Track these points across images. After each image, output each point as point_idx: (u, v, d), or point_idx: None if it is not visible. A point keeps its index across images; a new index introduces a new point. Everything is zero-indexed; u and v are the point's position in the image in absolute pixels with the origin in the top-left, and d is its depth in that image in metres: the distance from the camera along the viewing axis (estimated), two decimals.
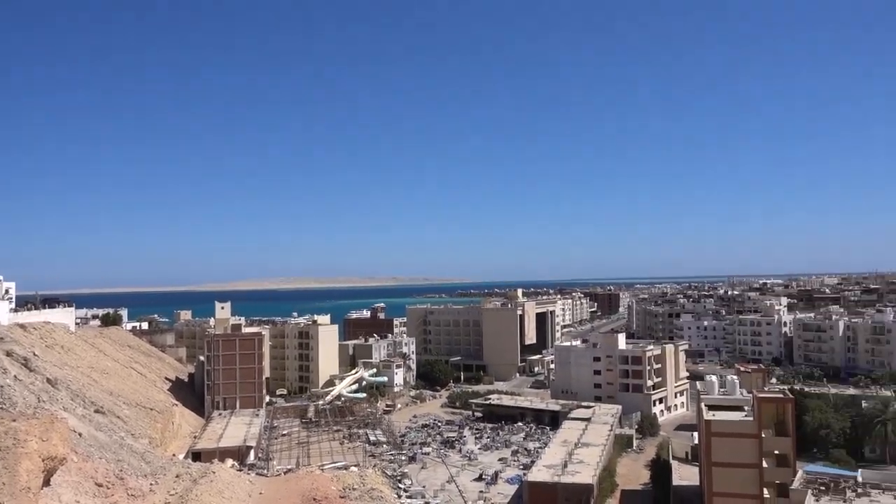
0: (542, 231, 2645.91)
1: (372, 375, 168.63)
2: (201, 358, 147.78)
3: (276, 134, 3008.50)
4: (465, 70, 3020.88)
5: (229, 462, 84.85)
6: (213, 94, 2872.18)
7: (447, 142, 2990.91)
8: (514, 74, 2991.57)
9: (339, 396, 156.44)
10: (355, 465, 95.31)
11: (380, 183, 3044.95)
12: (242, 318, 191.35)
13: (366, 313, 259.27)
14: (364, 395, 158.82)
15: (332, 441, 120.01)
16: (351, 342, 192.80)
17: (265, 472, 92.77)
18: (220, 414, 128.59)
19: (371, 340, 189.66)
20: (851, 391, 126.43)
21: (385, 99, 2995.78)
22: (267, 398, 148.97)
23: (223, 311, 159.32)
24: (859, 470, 77.04)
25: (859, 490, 64.46)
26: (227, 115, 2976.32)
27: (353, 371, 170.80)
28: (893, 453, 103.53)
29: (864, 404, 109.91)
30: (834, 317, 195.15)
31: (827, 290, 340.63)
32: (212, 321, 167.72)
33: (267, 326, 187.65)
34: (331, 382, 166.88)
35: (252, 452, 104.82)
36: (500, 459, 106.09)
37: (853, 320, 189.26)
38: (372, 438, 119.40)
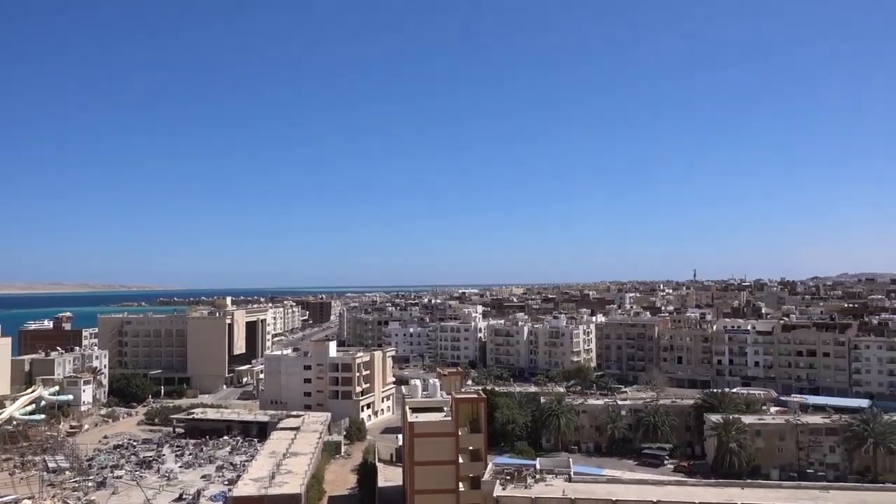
0: (254, 238, 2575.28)
1: (53, 394, 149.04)
2: None
3: None
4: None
5: None
6: None
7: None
8: None
9: (10, 420, 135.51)
10: (29, 498, 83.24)
11: (64, 183, 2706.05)
12: None
13: (48, 323, 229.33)
14: (43, 416, 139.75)
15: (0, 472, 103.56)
16: (28, 357, 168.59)
17: None
18: None
19: (54, 354, 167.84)
20: (533, 389, 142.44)
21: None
22: None
23: None
24: (538, 459, 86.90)
25: (537, 476, 72.57)
26: None
27: (30, 390, 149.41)
28: (565, 442, 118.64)
29: (542, 400, 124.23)
30: (520, 323, 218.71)
31: (515, 299, 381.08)
32: None
33: None
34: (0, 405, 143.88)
35: None
36: (203, 477, 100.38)
37: (535, 326, 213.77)
38: (51, 465, 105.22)
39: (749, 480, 78.98)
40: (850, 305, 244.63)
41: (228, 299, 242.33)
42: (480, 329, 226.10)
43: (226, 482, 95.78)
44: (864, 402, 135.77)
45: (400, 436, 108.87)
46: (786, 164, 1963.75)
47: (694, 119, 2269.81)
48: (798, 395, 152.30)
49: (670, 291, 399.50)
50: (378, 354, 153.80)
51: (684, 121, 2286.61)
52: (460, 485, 77.64)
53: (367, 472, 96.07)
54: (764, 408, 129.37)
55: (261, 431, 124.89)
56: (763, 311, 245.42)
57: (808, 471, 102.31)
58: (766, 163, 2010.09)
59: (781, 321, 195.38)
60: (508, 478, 71.79)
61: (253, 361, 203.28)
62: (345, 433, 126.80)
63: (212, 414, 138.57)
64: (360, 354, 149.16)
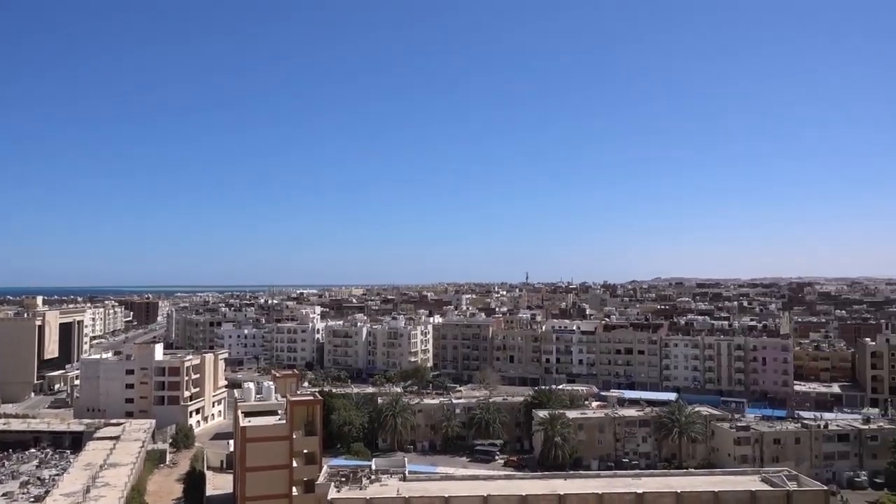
0: (70, 231, 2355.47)
1: None
2: None
3: None
4: None
5: None
6: None
7: None
8: None
9: None
10: None
11: None
12: None
13: None
14: None
15: None
16: None
17: None
18: None
19: None
20: (370, 390, 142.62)
21: None
22: None
23: None
24: (374, 459, 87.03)
25: (373, 477, 72.65)
26: None
27: None
28: (401, 441, 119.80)
29: (380, 401, 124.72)
30: (359, 324, 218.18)
31: (354, 300, 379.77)
32: None
33: None
34: None
35: None
36: (3, 495, 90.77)
37: (374, 327, 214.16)
38: None
39: (571, 472, 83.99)
40: (662, 307, 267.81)
41: (39, 299, 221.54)
42: (318, 330, 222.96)
43: (31, 499, 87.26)
44: (672, 396, 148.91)
45: (231, 441, 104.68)
46: (603, 177, 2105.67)
47: (521, 128, 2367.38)
48: (616, 391, 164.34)
49: (504, 293, 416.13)
50: (209, 357, 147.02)
51: (515, 127, 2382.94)
52: (294, 489, 76.12)
53: (194, 480, 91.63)
54: (586, 403, 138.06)
55: (75, 442, 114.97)
56: (587, 312, 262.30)
57: (624, 460, 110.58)
58: (581, 174, 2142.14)
59: (603, 322, 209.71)
60: (343, 480, 71.27)
61: (67, 366, 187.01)
62: (171, 441, 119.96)
63: (16, 424, 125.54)
64: (189, 357, 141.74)
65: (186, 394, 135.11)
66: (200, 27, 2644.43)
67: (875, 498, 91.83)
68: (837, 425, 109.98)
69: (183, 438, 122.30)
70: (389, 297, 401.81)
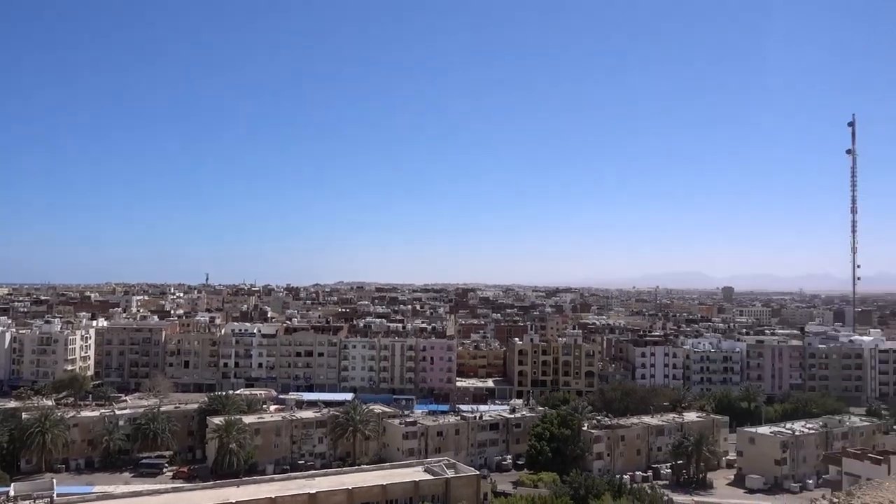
0: None
1: None
2: None
3: None
4: None
5: None
6: None
7: None
8: None
9: None
10: None
11: None
12: None
13: None
14: None
15: None
16: None
17: None
18: None
19: None
20: (13, 404, 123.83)
21: None
22: None
23: None
24: (13, 484, 75.53)
25: None
26: None
27: None
28: (51, 461, 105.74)
29: (24, 416, 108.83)
30: (1, 328, 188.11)
31: None
32: None
33: None
34: None
35: None
36: None
37: (21, 331, 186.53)
38: None
39: (245, 478, 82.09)
40: (343, 310, 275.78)
41: None
42: None
43: None
44: (349, 396, 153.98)
45: None
46: (287, 181, 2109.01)
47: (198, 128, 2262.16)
48: (295, 393, 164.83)
49: (182, 295, 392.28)
50: None
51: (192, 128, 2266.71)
52: None
53: None
54: (265, 407, 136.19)
55: None
56: (269, 315, 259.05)
57: (300, 462, 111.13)
58: (267, 178, 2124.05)
59: (285, 324, 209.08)
60: None
61: None
62: None
63: None
64: None
65: None
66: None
67: (517, 477, 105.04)
68: (490, 416, 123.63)
69: None
70: (43, 297, 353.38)
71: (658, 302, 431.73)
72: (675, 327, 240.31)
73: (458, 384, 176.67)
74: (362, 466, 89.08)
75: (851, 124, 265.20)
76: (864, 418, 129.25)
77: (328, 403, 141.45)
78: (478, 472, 79.89)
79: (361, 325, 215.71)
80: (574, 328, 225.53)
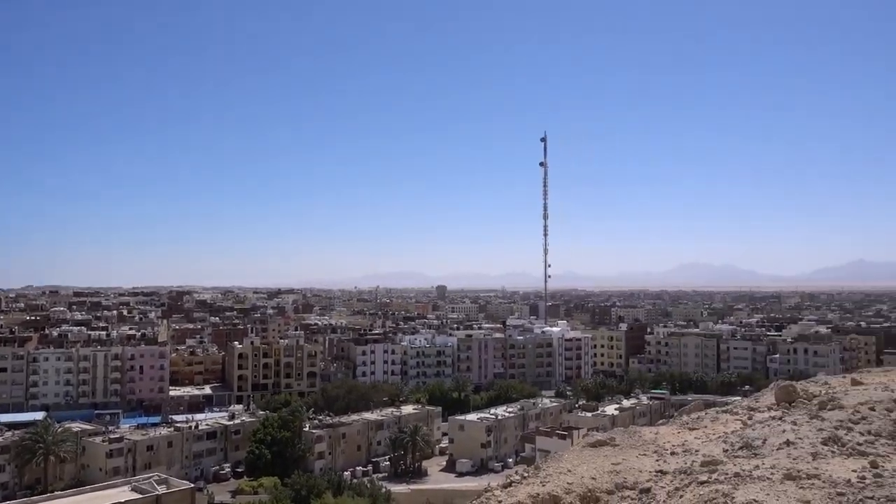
0: None
1: None
2: None
3: None
4: None
5: None
6: None
7: None
8: None
9: None
10: None
11: None
12: None
13: None
14: None
15: None
16: None
17: None
18: None
19: None
20: None
21: None
22: None
23: None
24: None
25: None
26: None
27: None
28: None
29: None
30: None
31: None
32: None
33: None
34: None
35: None
36: None
37: None
38: None
39: None
40: (33, 318, 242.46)
41: None
42: None
43: None
44: (40, 415, 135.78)
45: None
46: None
47: None
48: None
49: None
50: None
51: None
52: None
53: None
54: None
55: None
56: None
57: None
58: None
59: None
60: None
61: None
62: None
63: None
64: None
65: None
66: None
67: (236, 486, 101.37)
68: (207, 424, 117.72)
69: None
70: None
71: (378, 301, 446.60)
72: (394, 325, 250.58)
73: (172, 393, 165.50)
74: (55, 493, 79.02)
75: (543, 140, 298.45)
76: (553, 400, 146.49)
77: (13, 425, 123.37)
78: (192, 485, 75.52)
79: (56, 334, 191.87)
80: (296, 329, 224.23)
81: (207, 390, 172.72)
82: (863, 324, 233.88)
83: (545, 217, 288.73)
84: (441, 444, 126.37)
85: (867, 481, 10.63)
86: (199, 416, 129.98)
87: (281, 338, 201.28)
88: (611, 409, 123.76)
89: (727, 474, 11.81)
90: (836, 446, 13.01)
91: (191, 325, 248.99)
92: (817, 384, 22.94)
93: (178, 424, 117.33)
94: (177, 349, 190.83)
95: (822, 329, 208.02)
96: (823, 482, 10.84)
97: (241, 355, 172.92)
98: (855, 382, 21.63)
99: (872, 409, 14.95)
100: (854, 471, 11.32)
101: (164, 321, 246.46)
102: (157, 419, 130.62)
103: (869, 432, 13.67)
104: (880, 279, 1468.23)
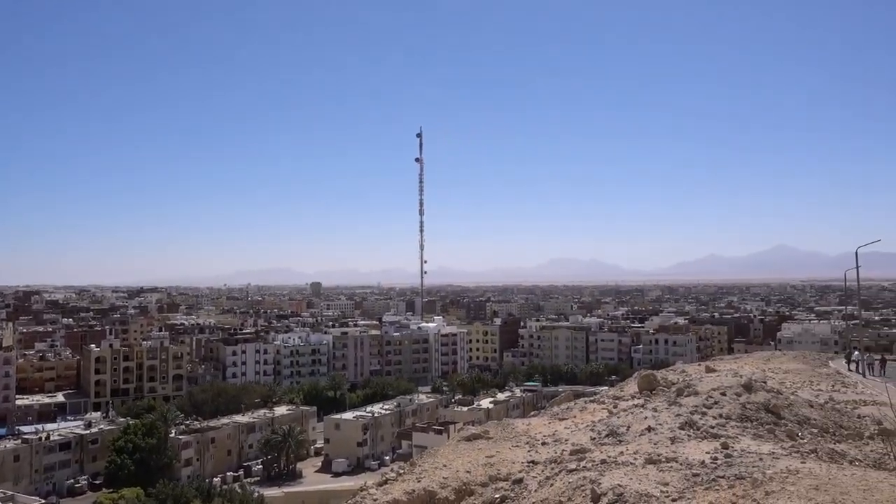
0: None
1: None
2: None
3: None
4: None
5: None
6: None
7: None
8: None
9: None
10: None
11: None
12: None
13: None
14: None
15: None
16: None
17: None
18: None
19: None
20: None
21: None
22: None
23: None
24: None
25: None
26: None
27: None
28: None
29: None
30: None
31: None
32: None
33: None
34: None
35: None
36: None
37: None
38: None
39: None
40: None
41: None
42: None
43: None
44: None
45: None
46: None
47: None
48: None
49: None
50: None
51: None
52: None
53: None
54: None
55: None
56: None
57: None
58: None
59: None
60: None
61: None
62: None
63: None
64: None
65: None
66: None
67: (94, 499, 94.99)
68: (60, 434, 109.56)
69: None
70: None
71: (250, 299, 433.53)
72: (267, 323, 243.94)
73: (20, 402, 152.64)
74: None
75: (419, 135, 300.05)
76: (429, 395, 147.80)
77: None
78: (42, 501, 70.12)
79: None
80: (161, 330, 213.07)
81: (60, 398, 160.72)
82: (716, 315, 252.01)
83: (421, 213, 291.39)
84: (317, 445, 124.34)
85: (719, 461, 11.40)
86: (50, 426, 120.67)
87: (143, 339, 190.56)
88: (486, 403, 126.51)
89: (594, 461, 12.28)
90: (691, 430, 13.87)
91: (40, 328, 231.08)
92: (676, 372, 24.43)
93: (27, 436, 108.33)
94: (24, 354, 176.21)
95: (681, 320, 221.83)
96: (680, 464, 11.52)
97: (98, 359, 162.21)
98: (709, 370, 23.20)
99: (724, 394, 16.08)
100: (707, 452, 12.12)
101: (10, 324, 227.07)
102: (2, 431, 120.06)
103: (720, 416, 14.69)
104: (731, 273, 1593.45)
